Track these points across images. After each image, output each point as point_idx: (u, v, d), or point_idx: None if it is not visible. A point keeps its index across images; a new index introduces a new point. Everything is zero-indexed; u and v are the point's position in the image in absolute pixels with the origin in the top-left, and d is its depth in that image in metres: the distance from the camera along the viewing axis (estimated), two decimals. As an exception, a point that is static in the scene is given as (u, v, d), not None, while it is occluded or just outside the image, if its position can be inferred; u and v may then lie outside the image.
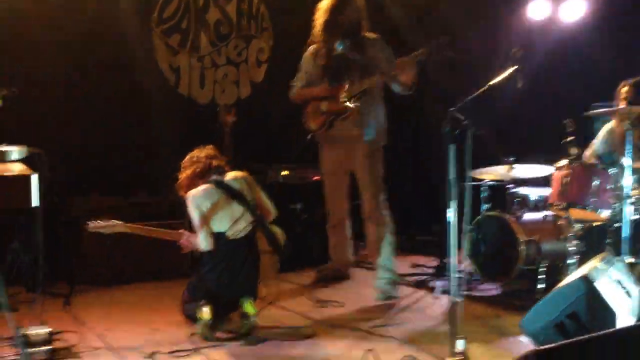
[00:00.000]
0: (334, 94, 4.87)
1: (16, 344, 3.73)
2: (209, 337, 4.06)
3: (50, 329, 3.78)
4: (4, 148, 3.12)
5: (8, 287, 4.02)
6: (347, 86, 4.81)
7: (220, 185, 4.28)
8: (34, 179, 2.93)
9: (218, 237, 4.26)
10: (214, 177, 4.33)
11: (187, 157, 4.41)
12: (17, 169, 3.03)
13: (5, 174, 2.93)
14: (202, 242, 4.23)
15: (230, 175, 4.38)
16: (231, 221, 4.25)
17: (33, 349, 3.57)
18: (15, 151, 3.16)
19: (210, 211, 4.22)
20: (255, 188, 4.44)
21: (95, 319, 4.44)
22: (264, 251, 4.40)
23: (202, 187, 4.27)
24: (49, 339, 3.74)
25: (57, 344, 3.85)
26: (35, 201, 2.96)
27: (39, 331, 3.69)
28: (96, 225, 4.18)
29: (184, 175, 4.36)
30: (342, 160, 5.10)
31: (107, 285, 5.24)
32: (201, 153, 4.41)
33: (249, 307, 4.16)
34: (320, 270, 5.59)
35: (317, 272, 5.59)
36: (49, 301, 4.62)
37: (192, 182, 4.32)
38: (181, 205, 4.31)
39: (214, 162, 4.37)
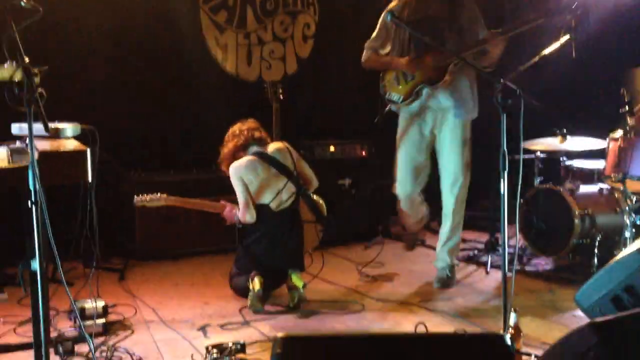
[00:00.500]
0: (422, 61, 4.35)
1: (73, 317, 3.84)
2: (258, 309, 4.10)
3: (105, 303, 3.88)
4: (58, 125, 3.17)
5: (65, 263, 4.14)
6: (438, 53, 4.31)
7: (263, 156, 4.29)
8: (89, 154, 2.97)
9: (262, 209, 4.28)
10: (256, 149, 4.34)
11: (229, 131, 4.43)
12: (72, 145, 3.08)
13: (61, 149, 2.98)
14: (246, 214, 4.26)
15: (271, 147, 4.38)
16: (275, 193, 4.26)
17: (89, 322, 3.66)
18: (68, 128, 3.20)
19: (252, 183, 4.24)
20: (297, 158, 4.45)
21: (148, 293, 4.53)
22: (306, 221, 4.42)
23: (244, 159, 4.28)
24: (103, 312, 3.84)
25: (112, 317, 3.95)
26: (90, 176, 3.00)
27: (94, 305, 3.78)
28: (142, 199, 4.28)
29: (225, 149, 4.39)
30: (425, 135, 4.61)
31: (160, 260, 5.33)
32: (243, 126, 4.42)
33: (296, 280, 4.17)
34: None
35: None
36: (104, 276, 4.72)
37: (234, 156, 4.34)
38: (229, 181, 4.32)
39: (256, 134, 4.38)
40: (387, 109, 4.63)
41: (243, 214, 4.27)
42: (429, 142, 4.64)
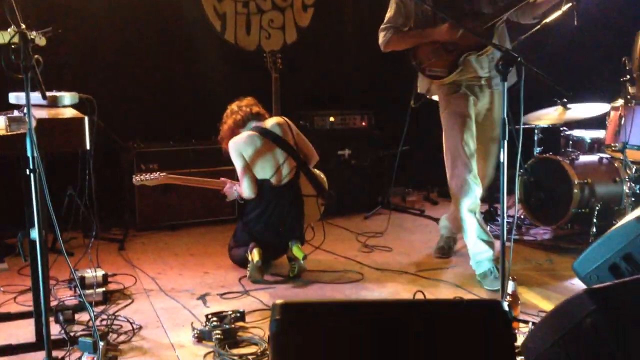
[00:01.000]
0: (463, 27, 3.82)
1: (73, 286, 3.86)
2: (257, 280, 4.12)
3: (105, 272, 3.90)
4: (56, 93, 3.15)
5: (65, 232, 4.15)
6: (477, 15, 3.97)
7: (262, 131, 4.27)
8: (87, 122, 2.96)
9: (262, 184, 4.27)
10: (255, 124, 4.32)
11: (228, 109, 4.42)
12: (70, 113, 3.07)
13: (59, 117, 2.96)
14: (246, 189, 4.25)
15: (270, 122, 4.35)
16: (275, 167, 4.25)
17: (89, 291, 3.68)
18: (66, 97, 3.19)
19: (252, 158, 4.22)
20: (297, 132, 4.42)
21: (148, 263, 4.55)
22: (307, 195, 4.41)
23: (244, 134, 4.26)
24: (103, 282, 3.86)
25: (112, 286, 3.97)
26: (88, 145, 2.99)
27: (94, 274, 3.80)
28: (141, 178, 4.29)
29: (225, 126, 4.37)
30: (472, 110, 4.16)
31: (160, 230, 5.34)
32: (241, 103, 4.41)
33: (297, 251, 4.19)
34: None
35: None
36: (104, 246, 4.74)
37: (234, 132, 4.32)
38: (229, 155, 4.32)
39: (254, 110, 4.36)
40: (423, 90, 4.27)
41: (243, 189, 4.26)
42: (476, 114, 4.22)
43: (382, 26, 4.22)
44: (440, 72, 4.10)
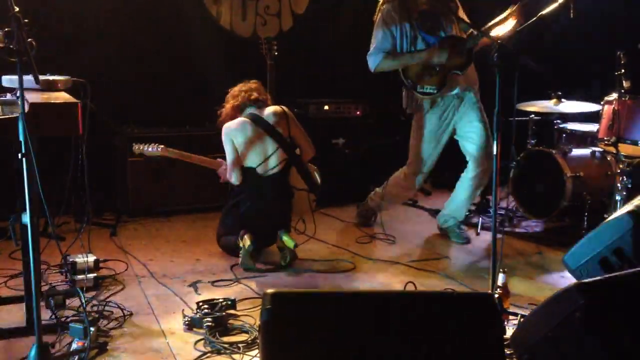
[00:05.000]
0: (446, 53, 4.49)
1: (64, 271, 3.85)
2: (250, 267, 4.12)
3: (96, 258, 3.89)
4: (50, 77, 3.13)
5: (56, 217, 4.14)
6: (458, 39, 4.55)
7: (256, 119, 4.24)
8: (80, 107, 2.94)
9: (247, 172, 4.26)
10: (251, 110, 4.30)
11: (230, 92, 4.38)
12: (63, 97, 3.05)
13: (52, 101, 2.94)
14: (232, 175, 4.25)
15: (268, 110, 4.32)
16: (263, 157, 4.23)
17: (80, 276, 3.68)
18: (60, 81, 3.17)
19: (242, 145, 4.20)
20: (294, 124, 4.37)
21: (140, 249, 4.54)
22: (299, 189, 4.39)
23: (236, 120, 4.24)
24: (95, 267, 3.86)
25: (103, 272, 3.97)
26: (81, 129, 2.97)
27: (85, 259, 3.79)
28: (140, 147, 4.30)
29: (224, 110, 4.35)
30: (450, 123, 4.74)
31: (152, 216, 5.32)
32: (243, 87, 4.37)
33: (287, 241, 4.18)
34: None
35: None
36: (96, 231, 4.73)
37: (232, 116, 4.30)
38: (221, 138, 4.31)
39: (253, 95, 4.32)
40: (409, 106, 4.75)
41: (229, 173, 4.26)
42: (450, 128, 4.76)
43: (370, 52, 4.63)
44: (432, 90, 4.58)
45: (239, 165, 4.24)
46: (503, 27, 4.35)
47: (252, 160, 4.23)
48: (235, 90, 4.38)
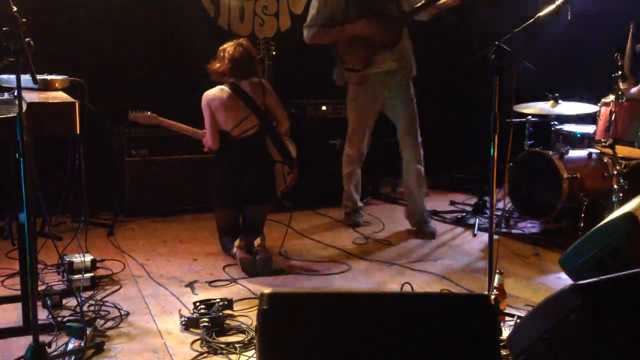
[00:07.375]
0: (374, 27, 4.65)
1: (61, 271, 3.85)
2: (252, 275, 4.11)
3: (93, 257, 3.89)
4: (47, 77, 3.13)
5: (53, 217, 4.14)
6: (390, 16, 4.65)
7: (232, 87, 4.41)
8: (78, 106, 2.94)
9: (225, 136, 4.43)
10: (231, 80, 4.43)
11: (220, 48, 4.46)
12: (60, 97, 3.05)
13: (49, 101, 2.94)
14: (209, 139, 4.44)
15: (246, 80, 4.44)
16: (236, 120, 4.37)
17: (77, 276, 3.67)
18: (57, 80, 3.17)
19: (217, 109, 4.38)
20: (269, 95, 4.50)
21: (137, 249, 4.54)
22: (275, 161, 4.52)
23: (216, 89, 4.43)
24: (92, 267, 3.85)
25: (100, 272, 3.97)
26: (79, 129, 2.98)
27: (82, 259, 3.79)
28: (135, 114, 4.58)
29: (212, 66, 4.46)
30: (379, 97, 4.91)
31: (149, 216, 5.33)
32: (229, 52, 4.41)
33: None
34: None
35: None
36: (93, 231, 4.73)
37: (216, 77, 4.46)
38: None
39: (233, 70, 4.38)
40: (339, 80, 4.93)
41: (208, 139, 4.46)
42: (380, 104, 4.94)
43: (306, 24, 4.84)
44: (357, 66, 4.74)
45: (216, 128, 4.42)
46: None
47: (227, 123, 4.39)
48: (226, 49, 4.43)
